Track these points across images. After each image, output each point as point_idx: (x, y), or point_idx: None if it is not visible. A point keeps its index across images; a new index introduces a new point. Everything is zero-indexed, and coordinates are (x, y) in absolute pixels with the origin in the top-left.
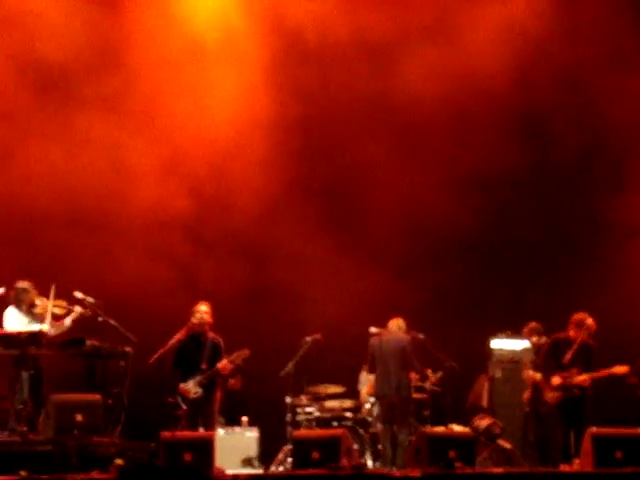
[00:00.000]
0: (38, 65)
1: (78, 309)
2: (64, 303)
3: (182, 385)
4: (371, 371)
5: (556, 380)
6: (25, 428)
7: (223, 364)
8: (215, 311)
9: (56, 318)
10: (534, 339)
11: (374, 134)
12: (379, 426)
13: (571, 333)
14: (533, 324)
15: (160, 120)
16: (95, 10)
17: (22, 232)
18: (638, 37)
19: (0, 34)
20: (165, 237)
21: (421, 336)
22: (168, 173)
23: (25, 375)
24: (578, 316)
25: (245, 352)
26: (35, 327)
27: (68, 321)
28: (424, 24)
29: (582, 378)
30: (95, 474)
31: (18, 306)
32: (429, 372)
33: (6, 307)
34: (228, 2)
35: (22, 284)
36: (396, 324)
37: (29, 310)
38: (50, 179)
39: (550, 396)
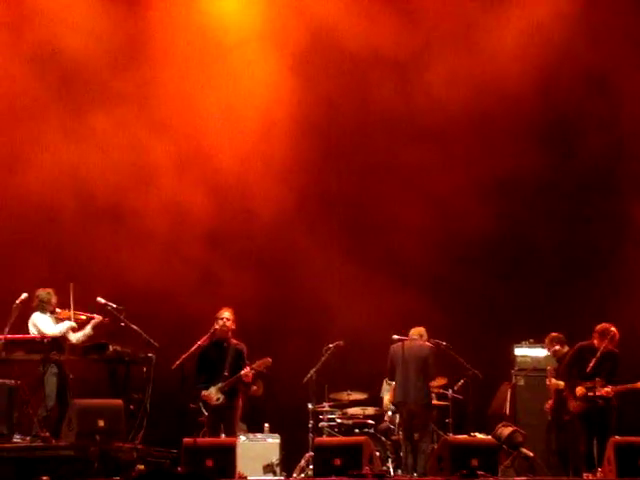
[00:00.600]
0: (59, 61)
1: (98, 317)
2: (84, 314)
3: (204, 392)
4: (390, 378)
5: (580, 390)
6: (47, 433)
7: (245, 372)
8: (237, 317)
9: (78, 326)
10: (556, 347)
11: (398, 140)
12: (401, 433)
13: (595, 342)
14: (554, 334)
15: (181, 118)
16: (118, 6)
17: (42, 232)
18: None
19: (21, 30)
20: (184, 239)
21: (444, 344)
22: (187, 172)
23: (54, 381)
24: (602, 326)
25: (267, 360)
26: (61, 326)
27: (88, 329)
28: (448, 30)
29: (606, 390)
30: None
31: (43, 311)
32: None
33: (28, 313)
34: (251, 2)
35: (43, 291)
36: (417, 332)
37: (53, 316)
38: (70, 177)
39: (574, 405)
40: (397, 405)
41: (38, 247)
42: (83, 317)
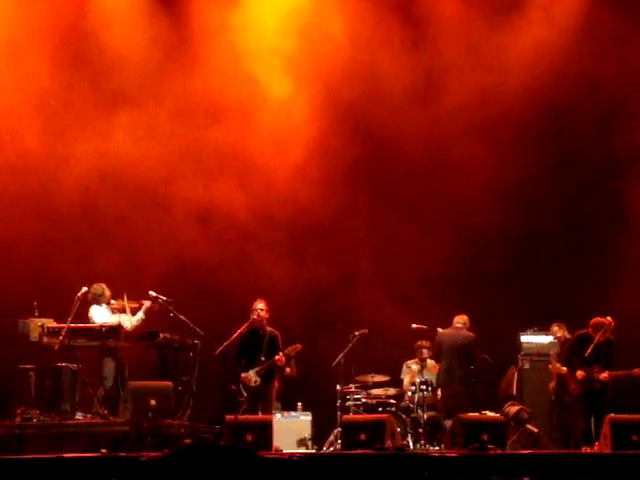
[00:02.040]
0: (102, 59)
1: (147, 303)
2: (136, 302)
3: (243, 374)
4: (437, 361)
5: (580, 374)
6: (106, 411)
7: (279, 356)
8: (276, 308)
9: (131, 312)
10: (559, 334)
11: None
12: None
13: (590, 330)
14: (557, 323)
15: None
16: (162, 10)
17: (91, 227)
18: None
19: (62, 26)
20: (223, 232)
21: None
22: (223, 168)
23: (112, 365)
24: (595, 320)
25: (298, 346)
26: (116, 318)
27: (141, 314)
28: (460, 52)
29: (603, 375)
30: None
31: (99, 304)
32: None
33: (87, 305)
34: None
35: (98, 286)
36: (462, 320)
37: (107, 307)
38: (112, 172)
39: (574, 387)
40: (442, 386)
41: (91, 243)
42: (135, 305)
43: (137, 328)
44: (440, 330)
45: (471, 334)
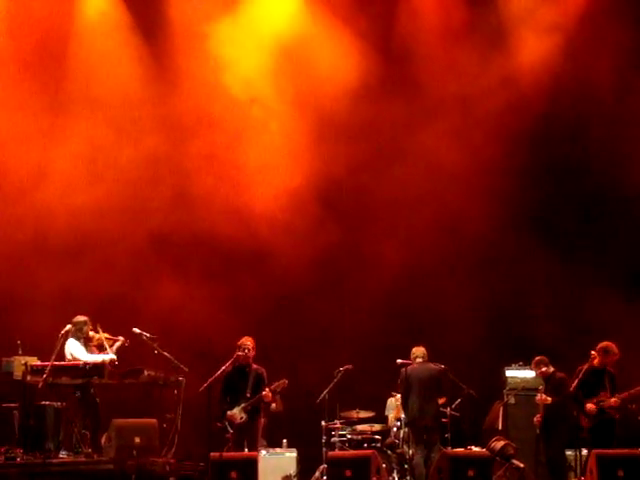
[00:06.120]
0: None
1: (120, 340)
2: (109, 335)
3: (229, 411)
4: (404, 396)
5: (590, 407)
6: (90, 449)
7: (265, 392)
8: (260, 345)
9: (103, 348)
10: (543, 369)
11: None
12: (405, 448)
13: (595, 362)
14: (538, 357)
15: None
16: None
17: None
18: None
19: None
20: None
21: (442, 367)
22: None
23: (90, 402)
24: (603, 344)
25: (284, 382)
26: (99, 357)
27: (113, 350)
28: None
29: (614, 400)
30: None
31: (77, 338)
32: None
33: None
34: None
35: (80, 318)
36: (421, 352)
37: (85, 343)
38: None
39: (586, 421)
40: (413, 422)
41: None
42: (110, 340)
43: (122, 365)
44: (404, 367)
45: (440, 366)
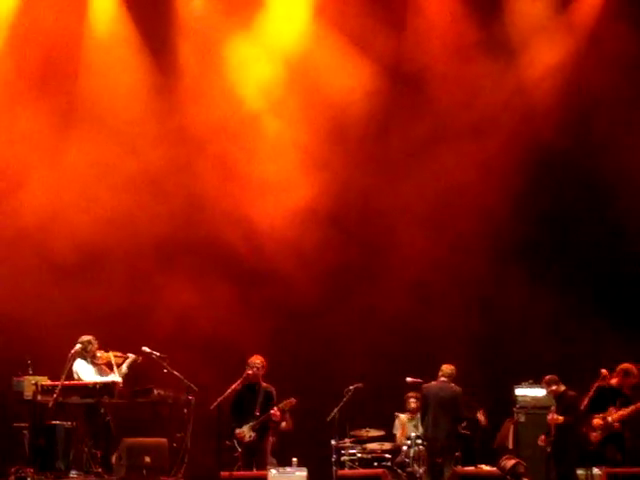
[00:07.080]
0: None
1: (131, 357)
2: (119, 353)
3: (238, 430)
4: (423, 414)
5: (597, 422)
6: (100, 469)
7: (274, 411)
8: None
9: (115, 366)
10: (553, 388)
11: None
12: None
13: (613, 382)
14: (548, 377)
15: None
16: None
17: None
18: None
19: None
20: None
21: (459, 388)
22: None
23: (100, 422)
24: (625, 366)
25: (292, 401)
26: (108, 378)
27: (124, 368)
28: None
29: (620, 413)
30: None
31: (84, 358)
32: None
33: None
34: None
35: (85, 338)
36: (450, 369)
37: (92, 361)
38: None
39: (595, 436)
40: (429, 440)
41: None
42: (119, 358)
43: (131, 384)
44: (425, 384)
45: (458, 388)
